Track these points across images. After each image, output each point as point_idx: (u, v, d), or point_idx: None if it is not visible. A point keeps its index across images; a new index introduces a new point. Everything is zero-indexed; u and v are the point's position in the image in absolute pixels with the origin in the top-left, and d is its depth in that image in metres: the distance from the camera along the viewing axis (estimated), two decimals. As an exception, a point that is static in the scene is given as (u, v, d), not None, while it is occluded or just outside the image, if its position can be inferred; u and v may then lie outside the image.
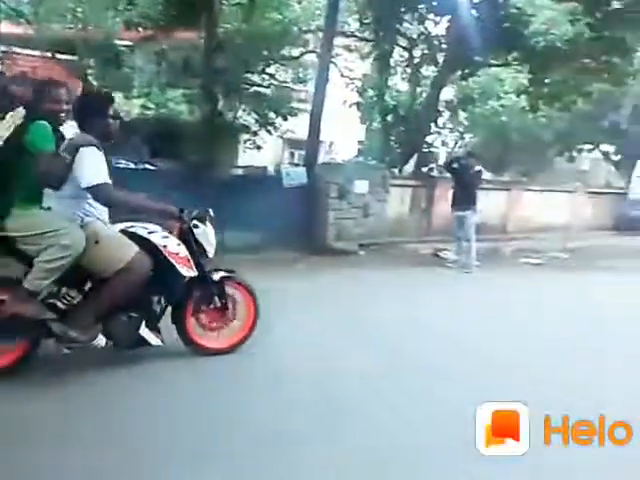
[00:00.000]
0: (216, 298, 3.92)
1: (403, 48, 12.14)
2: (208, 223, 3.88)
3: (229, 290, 4.01)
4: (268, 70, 13.37)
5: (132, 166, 9.69)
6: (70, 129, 3.55)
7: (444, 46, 10.73)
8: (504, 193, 12.53)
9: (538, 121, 16.04)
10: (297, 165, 13.62)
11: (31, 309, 3.22)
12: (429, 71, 12.33)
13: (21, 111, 3.27)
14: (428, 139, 12.62)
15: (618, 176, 18.53)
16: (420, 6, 10.56)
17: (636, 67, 14.77)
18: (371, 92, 12.82)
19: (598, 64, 11.00)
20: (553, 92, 11.66)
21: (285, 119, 13.20)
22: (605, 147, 18.58)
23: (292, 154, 19.38)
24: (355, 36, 13.29)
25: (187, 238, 3.71)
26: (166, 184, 8.00)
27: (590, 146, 18.62)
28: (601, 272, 8.66)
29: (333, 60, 11.89)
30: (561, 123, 16.48)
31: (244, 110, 13.03)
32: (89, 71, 11.73)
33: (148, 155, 11.54)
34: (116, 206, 3.52)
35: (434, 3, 10.08)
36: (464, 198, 8.43)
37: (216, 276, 3.92)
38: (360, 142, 20.97)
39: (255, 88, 13.06)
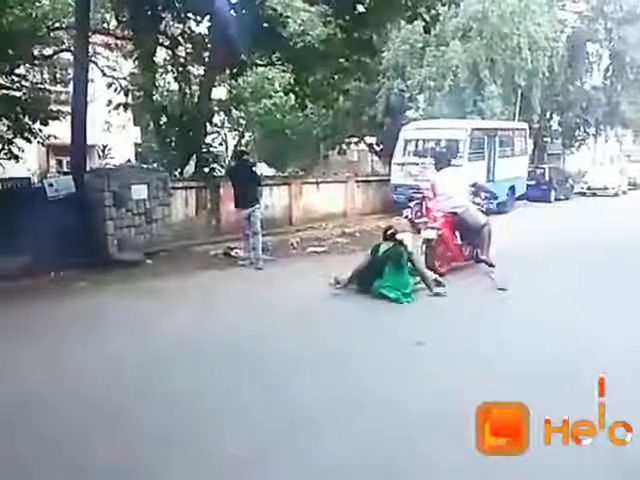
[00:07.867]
0: None
1: (166, 47, 11.75)
2: None
3: None
4: (18, 71, 11.88)
5: None
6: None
7: (209, 45, 10.69)
8: (286, 188, 13.07)
9: (309, 118, 17.17)
10: (67, 173, 12.37)
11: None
12: (201, 70, 12.17)
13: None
14: (208, 139, 12.48)
15: (381, 164, 20.82)
16: (178, 4, 10.33)
17: (384, 65, 16.75)
18: (139, 92, 12.19)
19: (351, 63, 11.97)
20: (316, 90, 12.41)
21: (44, 124, 11.90)
22: (369, 139, 20.65)
23: (60, 162, 17.68)
24: (113, 34, 12.52)
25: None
26: None
27: (356, 139, 20.56)
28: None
29: (92, 59, 11.05)
30: (328, 119, 17.87)
31: (-7, 117, 11.41)
32: None
33: None
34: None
35: (192, 2, 9.94)
36: (245, 196, 8.55)
37: None
38: (138, 145, 19.93)
39: (4, 91, 11.52)
